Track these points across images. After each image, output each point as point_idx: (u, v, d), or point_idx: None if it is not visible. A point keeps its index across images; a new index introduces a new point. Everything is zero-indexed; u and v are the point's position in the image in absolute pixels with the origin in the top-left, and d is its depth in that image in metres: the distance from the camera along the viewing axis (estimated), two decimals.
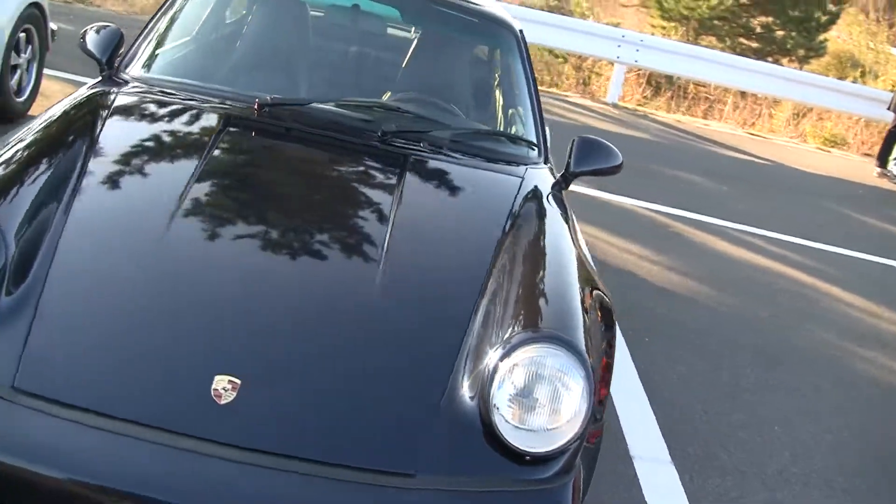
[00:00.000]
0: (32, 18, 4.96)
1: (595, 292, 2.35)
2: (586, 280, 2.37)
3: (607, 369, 2.18)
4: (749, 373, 4.19)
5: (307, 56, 3.27)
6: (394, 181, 2.58)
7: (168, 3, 3.17)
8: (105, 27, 3.00)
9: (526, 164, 2.99)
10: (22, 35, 4.91)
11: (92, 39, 2.95)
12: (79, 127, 2.50)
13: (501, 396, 1.88)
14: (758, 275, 5.78)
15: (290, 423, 1.82)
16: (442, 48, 3.44)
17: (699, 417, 3.62)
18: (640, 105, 11.78)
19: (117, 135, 2.51)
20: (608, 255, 5.38)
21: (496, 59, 3.48)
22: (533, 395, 1.90)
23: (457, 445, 1.86)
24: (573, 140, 3.11)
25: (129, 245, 2.11)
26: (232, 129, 2.65)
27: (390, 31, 3.63)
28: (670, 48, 11.14)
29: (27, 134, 2.43)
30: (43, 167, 2.26)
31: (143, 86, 2.83)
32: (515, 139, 3.13)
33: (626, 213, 6.49)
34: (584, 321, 2.10)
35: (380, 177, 2.70)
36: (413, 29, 3.59)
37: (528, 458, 1.88)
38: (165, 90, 2.81)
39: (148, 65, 2.96)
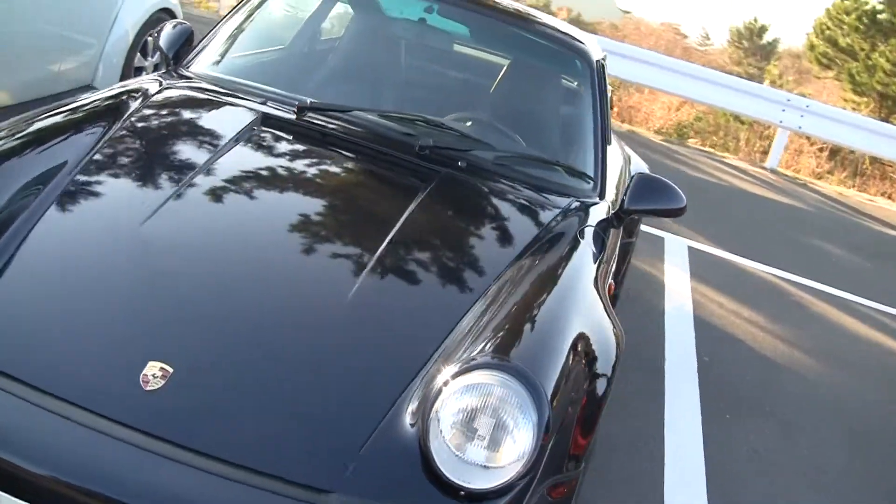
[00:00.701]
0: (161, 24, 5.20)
1: (598, 336, 2.19)
2: (591, 321, 2.22)
3: (588, 422, 2.02)
4: (834, 460, 3.87)
5: (367, 66, 3.29)
6: (412, 196, 2.52)
7: (238, 6, 3.27)
8: (179, 24, 3.13)
9: (576, 197, 2.89)
10: (150, 39, 5.15)
11: (164, 35, 3.08)
12: (108, 110, 2.59)
13: (442, 418, 1.77)
14: (877, 355, 5.36)
15: (210, 420, 1.76)
16: (508, 70, 3.39)
17: None
18: (804, 174, 11.26)
19: (143, 123, 2.57)
20: (715, 314, 5.13)
21: (565, 86, 3.39)
22: (475, 423, 1.77)
23: (386, 470, 1.75)
24: (632, 177, 2.99)
25: (104, 231, 2.12)
26: (265, 128, 2.67)
27: (457, 48, 3.59)
28: (838, 116, 10.59)
29: (63, 109, 2.54)
30: (52, 145, 2.34)
31: (195, 80, 2.91)
32: (570, 170, 3.02)
33: (749, 277, 6.18)
34: (566, 362, 1.96)
35: (398, 191, 2.65)
36: (481, 48, 3.55)
37: (462, 493, 1.74)
38: (216, 87, 2.87)
39: (206, 62, 3.05)
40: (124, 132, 2.49)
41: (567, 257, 2.49)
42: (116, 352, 1.82)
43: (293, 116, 2.75)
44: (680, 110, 13.71)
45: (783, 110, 10.50)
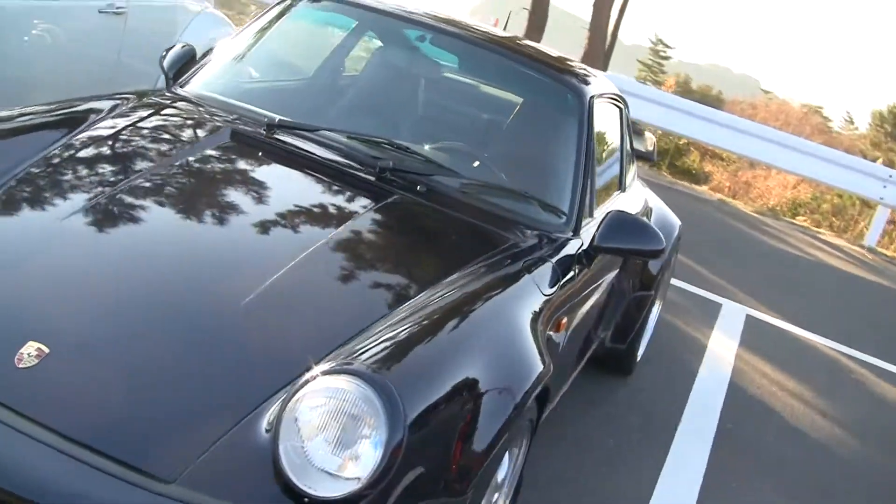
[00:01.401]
0: None
1: (507, 370, 2.15)
2: (503, 354, 2.18)
3: (471, 453, 1.95)
4: None
5: (349, 88, 3.33)
6: (351, 215, 2.52)
7: (238, 32, 3.35)
8: (185, 45, 3.25)
9: (545, 231, 2.81)
10: None
11: (169, 55, 3.20)
12: (78, 115, 2.70)
13: (296, 419, 1.74)
14: None
15: (71, 401, 1.79)
16: (496, 100, 3.35)
17: None
18: None
19: (103, 130, 2.66)
20: (754, 383, 4.86)
21: (555, 120, 3.32)
22: (325, 429, 1.74)
23: (234, 469, 1.73)
24: (606, 214, 2.89)
25: (26, 221, 2.23)
26: (227, 143, 2.71)
27: (447, 75, 3.56)
28: None
29: (40, 110, 2.67)
30: (11, 140, 2.50)
31: (181, 97, 2.99)
32: (542, 203, 2.93)
33: (807, 350, 5.85)
34: (452, 388, 1.93)
35: (339, 208, 2.62)
36: (472, 78, 3.51)
37: (306, 500, 1.69)
38: (198, 104, 2.94)
39: (198, 81, 3.12)
40: (84, 136, 2.59)
41: (500, 286, 2.40)
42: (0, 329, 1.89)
43: (262, 133, 2.78)
44: (797, 188, 13.27)
45: (884, 186, 10.03)
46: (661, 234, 2.91)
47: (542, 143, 3.20)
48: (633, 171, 4.27)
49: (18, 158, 2.40)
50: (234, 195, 2.54)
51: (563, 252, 2.76)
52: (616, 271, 3.60)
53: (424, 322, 2.07)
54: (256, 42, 3.36)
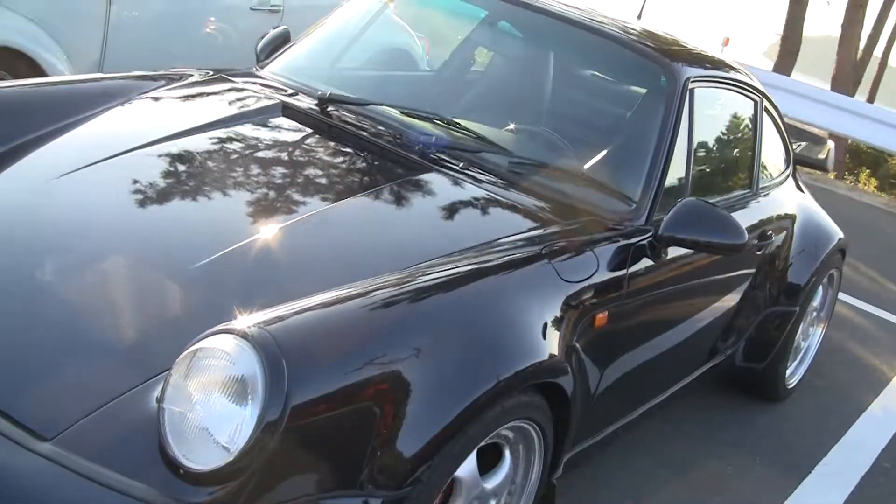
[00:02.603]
0: None
1: (473, 357, 1.91)
2: (461, 336, 1.92)
3: (399, 444, 1.73)
4: None
5: (433, 71, 3.24)
6: (366, 185, 2.43)
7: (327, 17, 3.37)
8: (281, 28, 3.29)
9: (605, 217, 2.58)
10: None
11: (264, 39, 3.26)
12: (145, 83, 2.82)
13: (176, 381, 1.62)
14: None
15: None
16: (580, 78, 3.12)
17: None
18: None
19: (163, 98, 2.76)
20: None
21: (641, 100, 3.03)
22: (207, 392, 1.60)
23: (119, 435, 1.64)
24: (677, 201, 2.61)
25: (26, 175, 2.30)
26: (275, 116, 2.70)
27: (529, 54, 3.34)
28: None
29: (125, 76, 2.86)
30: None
31: (254, 75, 3.01)
32: (608, 189, 2.70)
33: None
34: (370, 365, 1.72)
35: (359, 180, 2.51)
36: (549, 53, 3.28)
37: (181, 471, 1.57)
38: (266, 83, 2.95)
39: (279, 63, 3.14)
40: (133, 101, 2.70)
41: (504, 266, 2.18)
42: None
43: (315, 108, 2.77)
44: None
45: None
46: (742, 228, 2.59)
47: (625, 125, 2.96)
48: (783, 173, 3.88)
49: (82, 112, 2.55)
50: (254, 166, 2.49)
51: (619, 240, 2.53)
52: (740, 277, 3.29)
53: (372, 291, 1.86)
54: (336, 27, 3.36)
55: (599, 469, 3.09)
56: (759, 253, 3.36)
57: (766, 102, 3.60)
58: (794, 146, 4.45)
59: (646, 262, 2.59)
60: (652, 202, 2.67)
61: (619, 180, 2.75)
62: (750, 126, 3.49)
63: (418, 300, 1.92)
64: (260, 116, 2.69)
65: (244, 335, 1.60)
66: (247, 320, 1.65)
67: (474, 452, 1.97)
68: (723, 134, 3.47)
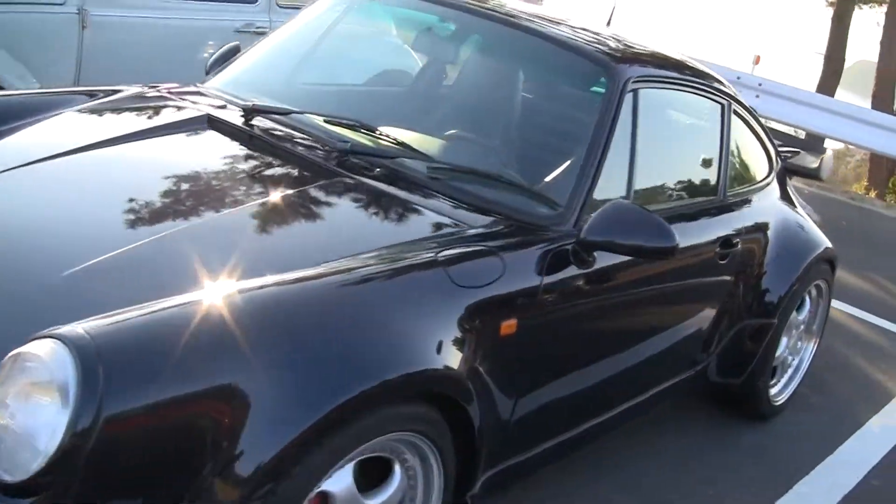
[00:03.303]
0: None
1: (330, 365, 1.81)
2: (318, 340, 1.84)
3: (240, 456, 1.66)
4: None
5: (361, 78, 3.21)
6: (268, 192, 2.39)
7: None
8: (231, 45, 3.31)
9: (527, 223, 2.50)
10: None
11: (214, 54, 3.29)
12: (80, 96, 2.88)
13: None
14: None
15: None
16: (509, 79, 3.03)
17: None
18: None
19: (93, 110, 2.79)
20: None
21: (575, 101, 2.93)
22: (20, 397, 1.56)
23: None
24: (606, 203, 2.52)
25: None
26: (199, 127, 2.69)
27: (464, 55, 3.26)
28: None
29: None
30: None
31: (197, 92, 3.01)
32: (531, 193, 2.62)
33: None
34: (205, 372, 1.66)
35: (264, 189, 2.44)
36: (485, 56, 3.20)
37: None
38: (207, 96, 2.95)
39: (222, 77, 3.14)
40: (69, 111, 2.74)
41: (387, 271, 2.09)
42: None
43: (241, 118, 2.76)
44: None
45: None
46: (672, 232, 2.47)
47: (558, 128, 2.88)
48: (761, 180, 3.75)
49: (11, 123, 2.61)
50: (162, 176, 2.46)
51: (534, 246, 2.44)
52: (702, 287, 3.20)
53: (220, 299, 1.78)
54: (277, 40, 3.36)
55: (555, 491, 3.00)
56: (722, 262, 3.23)
57: (735, 106, 3.48)
58: (789, 155, 4.33)
59: (572, 270, 2.50)
60: (581, 207, 2.57)
61: (547, 184, 2.67)
62: (715, 130, 3.38)
63: (272, 307, 1.84)
64: (184, 128, 2.69)
65: (61, 338, 1.55)
66: (75, 325, 1.60)
67: (350, 466, 1.90)
68: (679, 138, 3.37)
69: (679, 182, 3.22)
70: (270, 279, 1.89)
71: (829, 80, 14.18)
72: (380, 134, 2.73)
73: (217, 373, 1.67)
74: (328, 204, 2.46)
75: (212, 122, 2.73)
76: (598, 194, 2.62)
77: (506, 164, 2.70)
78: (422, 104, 3.23)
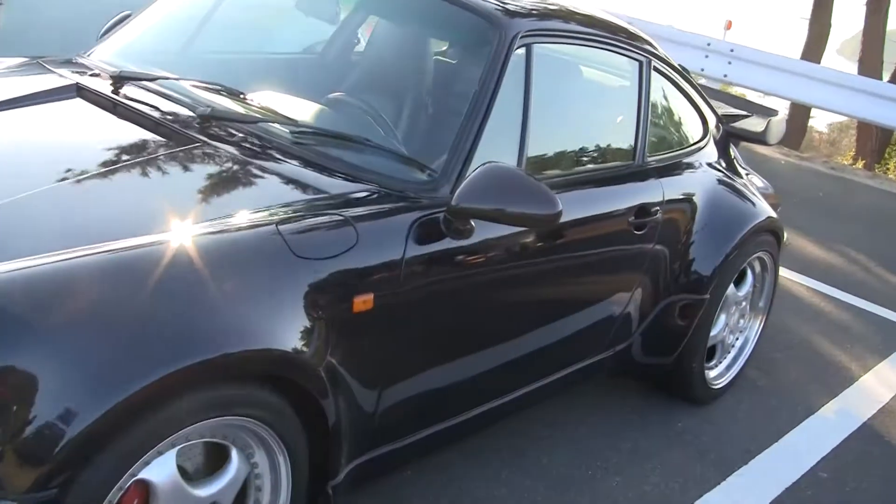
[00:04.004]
0: None
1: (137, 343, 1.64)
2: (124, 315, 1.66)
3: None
4: None
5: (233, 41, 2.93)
6: (135, 159, 2.17)
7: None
8: (122, 14, 3.07)
9: (397, 190, 2.22)
10: None
11: (106, 24, 3.06)
12: None
13: None
14: None
15: None
16: (392, 39, 2.77)
17: None
18: None
19: None
20: None
21: (459, 58, 2.63)
22: None
23: None
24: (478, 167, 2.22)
25: None
26: (66, 96, 2.48)
27: (348, 14, 2.98)
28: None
29: None
30: None
31: (77, 63, 2.78)
32: (403, 158, 2.34)
33: None
34: None
35: (121, 156, 2.21)
36: (370, 19, 2.92)
37: None
38: (88, 66, 2.73)
39: (106, 48, 2.89)
40: None
41: (219, 241, 1.86)
42: None
43: (110, 86, 2.53)
44: None
45: (706, 56, 8.79)
46: (554, 197, 2.20)
47: (438, 88, 2.57)
48: (692, 144, 3.43)
49: None
50: (23, 144, 2.28)
51: (396, 214, 2.16)
52: (612, 260, 2.90)
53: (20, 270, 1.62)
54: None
55: (455, 478, 2.72)
56: (639, 233, 2.92)
57: (657, 63, 3.16)
58: (736, 119, 4.01)
59: (448, 242, 2.22)
60: (460, 174, 2.28)
61: (423, 149, 2.38)
62: (632, 90, 3.06)
63: (64, 282, 1.64)
64: (52, 97, 2.46)
65: None
66: None
67: (172, 453, 1.76)
68: (587, 98, 3.06)
69: (586, 146, 2.91)
70: (75, 252, 1.70)
71: (815, 46, 13.67)
72: (244, 99, 2.51)
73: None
74: (178, 171, 2.20)
75: (80, 91, 2.52)
76: (485, 159, 2.32)
77: (386, 128, 2.40)
78: (310, 69, 3.01)
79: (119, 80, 2.56)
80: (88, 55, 2.85)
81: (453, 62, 2.64)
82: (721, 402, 3.61)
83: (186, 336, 1.68)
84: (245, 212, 1.98)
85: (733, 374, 3.66)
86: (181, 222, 1.90)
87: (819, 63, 11.62)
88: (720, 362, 3.63)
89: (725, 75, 8.83)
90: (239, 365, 1.78)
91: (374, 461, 2.25)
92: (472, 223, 2.23)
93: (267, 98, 2.52)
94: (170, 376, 1.62)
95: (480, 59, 2.47)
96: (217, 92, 2.50)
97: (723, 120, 3.78)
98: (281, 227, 1.93)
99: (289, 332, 1.86)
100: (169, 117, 2.38)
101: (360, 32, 3.19)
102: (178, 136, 2.29)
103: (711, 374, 3.54)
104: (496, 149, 2.44)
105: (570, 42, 2.79)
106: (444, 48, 2.85)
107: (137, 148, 2.26)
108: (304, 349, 1.88)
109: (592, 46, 2.89)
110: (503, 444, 2.98)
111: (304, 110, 2.51)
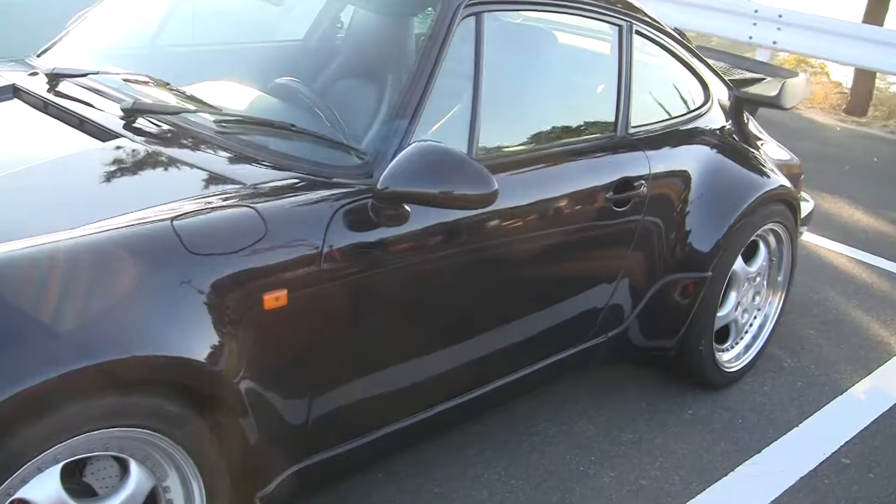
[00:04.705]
0: None
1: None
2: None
3: None
4: None
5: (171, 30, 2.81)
6: (55, 156, 2.10)
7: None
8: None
9: (325, 177, 2.08)
10: None
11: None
12: None
13: None
14: None
15: None
16: (337, 16, 2.63)
17: None
18: None
19: None
20: None
21: (400, 34, 2.43)
22: None
23: None
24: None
25: None
26: (3, 96, 2.43)
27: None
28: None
29: None
30: None
31: (26, 64, 2.71)
32: (331, 143, 2.18)
33: None
34: None
35: (43, 153, 2.14)
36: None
37: None
38: (32, 67, 2.66)
39: (57, 49, 2.80)
40: None
41: (115, 237, 1.75)
42: None
43: (45, 85, 2.47)
44: None
45: (754, 24, 8.23)
46: (488, 176, 2.03)
47: (376, 67, 2.40)
48: (690, 112, 3.20)
49: None
50: None
51: (318, 202, 2.01)
52: (594, 238, 2.71)
53: None
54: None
55: (431, 479, 2.57)
56: (621, 209, 2.71)
57: (641, 27, 2.93)
58: (750, 84, 3.75)
59: (380, 230, 2.07)
60: (395, 156, 2.11)
61: (358, 131, 2.21)
62: (610, 57, 2.85)
63: None
64: None
65: None
66: None
67: (55, 469, 1.65)
68: (554, 68, 2.85)
69: (558, 119, 2.72)
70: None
71: (877, 7, 12.94)
72: (170, 88, 2.39)
73: None
74: (93, 169, 2.09)
75: (16, 92, 2.47)
76: (429, 139, 2.15)
77: (328, 112, 2.24)
78: (258, 55, 2.86)
79: (53, 78, 2.48)
80: (39, 56, 2.77)
81: (395, 38, 2.47)
82: (740, 386, 3.38)
83: (71, 339, 1.58)
84: (152, 208, 1.86)
85: (752, 356, 3.41)
86: (83, 221, 1.78)
87: (882, 25, 11.01)
88: (736, 343, 3.39)
89: (775, 42, 8.41)
90: (127, 372, 1.65)
91: (315, 467, 2.11)
92: (407, 208, 2.08)
93: (203, 88, 2.40)
94: (46, 382, 1.52)
95: (420, 33, 2.30)
96: (145, 83, 2.39)
97: (730, 85, 3.53)
98: (176, 223, 1.80)
99: (188, 336, 1.74)
100: (95, 114, 2.28)
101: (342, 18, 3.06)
102: (101, 133, 2.19)
103: (725, 356, 3.30)
104: (442, 128, 2.28)
105: (529, 9, 2.60)
106: (381, 21, 2.67)
107: (60, 147, 2.18)
108: (210, 355, 1.76)
109: (559, 12, 2.70)
110: (492, 441, 2.82)
111: (240, 98, 2.38)
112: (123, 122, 2.22)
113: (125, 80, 2.41)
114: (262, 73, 2.50)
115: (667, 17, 9.09)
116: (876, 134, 7.98)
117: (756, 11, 8.30)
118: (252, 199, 1.94)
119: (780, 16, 8.25)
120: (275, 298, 1.88)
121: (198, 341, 1.75)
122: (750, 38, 8.54)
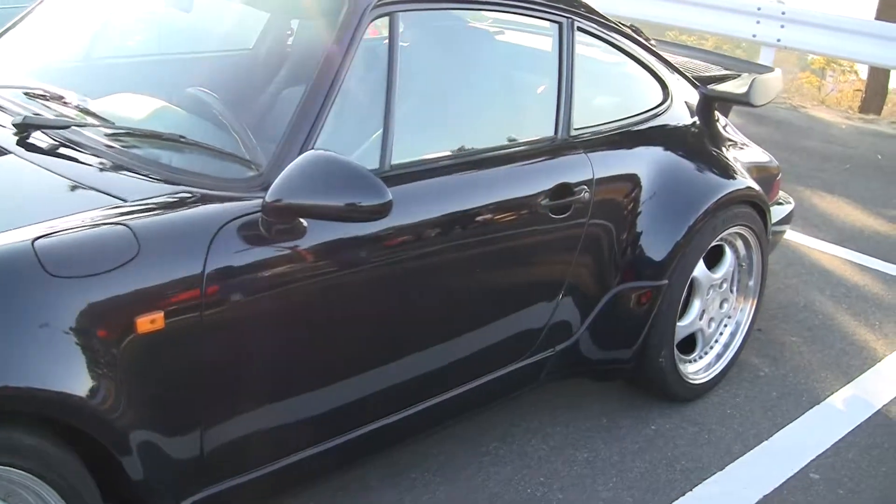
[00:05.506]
0: None
1: None
2: None
3: None
4: None
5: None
6: None
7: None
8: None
9: (216, 192, 1.96)
10: None
11: None
12: None
13: None
14: None
15: None
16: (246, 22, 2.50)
17: None
18: None
19: None
20: None
21: (308, 40, 2.33)
22: None
23: None
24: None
25: None
26: None
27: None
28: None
29: None
30: None
31: None
32: (222, 154, 2.06)
33: None
34: None
35: None
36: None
37: None
38: None
39: None
40: None
41: None
42: None
43: None
44: None
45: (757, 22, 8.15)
46: (381, 185, 1.90)
47: (281, 74, 2.28)
48: (643, 112, 3.04)
49: None
50: None
51: (202, 219, 1.89)
52: (523, 248, 2.56)
53: None
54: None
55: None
56: (559, 216, 2.57)
57: (584, 23, 2.79)
58: (720, 81, 3.59)
59: (272, 247, 1.95)
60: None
61: (252, 144, 2.09)
62: (552, 55, 2.71)
63: None
64: None
65: None
66: None
67: None
68: (490, 69, 2.72)
69: (488, 123, 2.58)
70: None
71: (891, 4, 12.64)
72: (64, 102, 2.29)
73: None
74: None
75: None
76: (336, 149, 2.02)
77: (234, 122, 2.12)
78: (181, 65, 2.73)
79: None
80: None
81: (304, 44, 2.35)
82: (710, 398, 3.22)
83: None
84: (18, 229, 1.75)
85: (723, 366, 3.25)
86: None
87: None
88: (704, 354, 3.23)
89: (779, 40, 8.22)
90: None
91: (214, 499, 1.99)
92: (304, 222, 1.96)
93: (109, 101, 2.29)
94: None
95: (326, 36, 2.18)
96: (41, 97, 2.28)
97: (696, 83, 3.38)
98: (37, 244, 1.69)
99: (51, 364, 1.63)
100: None
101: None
102: None
103: (691, 368, 3.15)
104: (354, 136, 2.16)
105: (448, 7, 2.46)
106: (304, 30, 2.57)
107: None
108: (80, 386, 1.66)
109: (485, 10, 2.57)
110: (437, 462, 2.69)
111: (144, 110, 2.26)
112: (17, 137, 2.12)
113: (26, 94, 2.31)
114: (176, 85, 2.39)
115: (669, 17, 9.01)
116: (884, 131, 7.74)
117: (759, 9, 8.12)
118: (129, 215, 1.83)
119: (784, 13, 8.06)
120: (150, 321, 1.76)
121: (66, 371, 1.65)
122: (754, 35, 8.38)
